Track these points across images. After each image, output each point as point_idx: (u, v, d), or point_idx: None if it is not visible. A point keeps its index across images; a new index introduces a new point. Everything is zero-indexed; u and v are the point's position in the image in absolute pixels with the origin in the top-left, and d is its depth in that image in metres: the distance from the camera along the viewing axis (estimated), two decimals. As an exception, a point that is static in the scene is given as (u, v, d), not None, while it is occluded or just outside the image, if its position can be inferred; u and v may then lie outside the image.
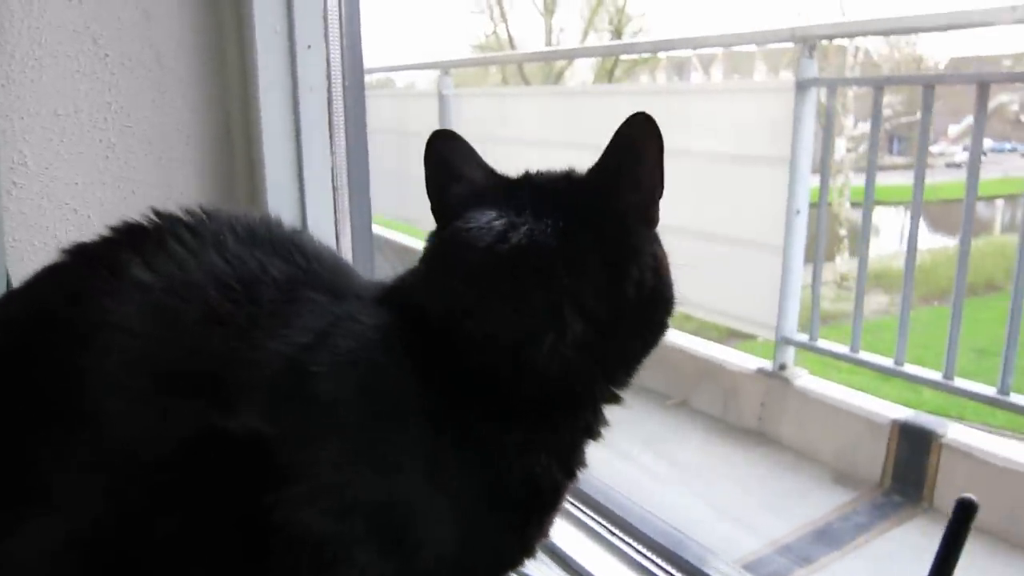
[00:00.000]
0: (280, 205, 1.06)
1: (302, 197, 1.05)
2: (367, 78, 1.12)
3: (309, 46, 1.03)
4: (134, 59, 1.01)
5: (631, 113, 0.63)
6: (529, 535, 0.65)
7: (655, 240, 0.67)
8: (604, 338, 0.62)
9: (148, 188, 1.04)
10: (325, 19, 1.02)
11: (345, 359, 0.59)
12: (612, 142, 0.64)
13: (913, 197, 2.38)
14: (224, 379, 0.59)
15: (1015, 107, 9.78)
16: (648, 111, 0.63)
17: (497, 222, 0.62)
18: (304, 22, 1.01)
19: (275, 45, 1.01)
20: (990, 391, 2.19)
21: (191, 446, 0.57)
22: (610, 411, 0.66)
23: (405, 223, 4.56)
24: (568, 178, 0.68)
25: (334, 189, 1.08)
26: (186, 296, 0.62)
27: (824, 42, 2.52)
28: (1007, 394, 2.15)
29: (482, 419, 0.60)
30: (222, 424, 0.56)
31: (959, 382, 2.26)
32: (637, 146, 0.64)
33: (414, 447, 0.58)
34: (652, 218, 0.67)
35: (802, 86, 2.55)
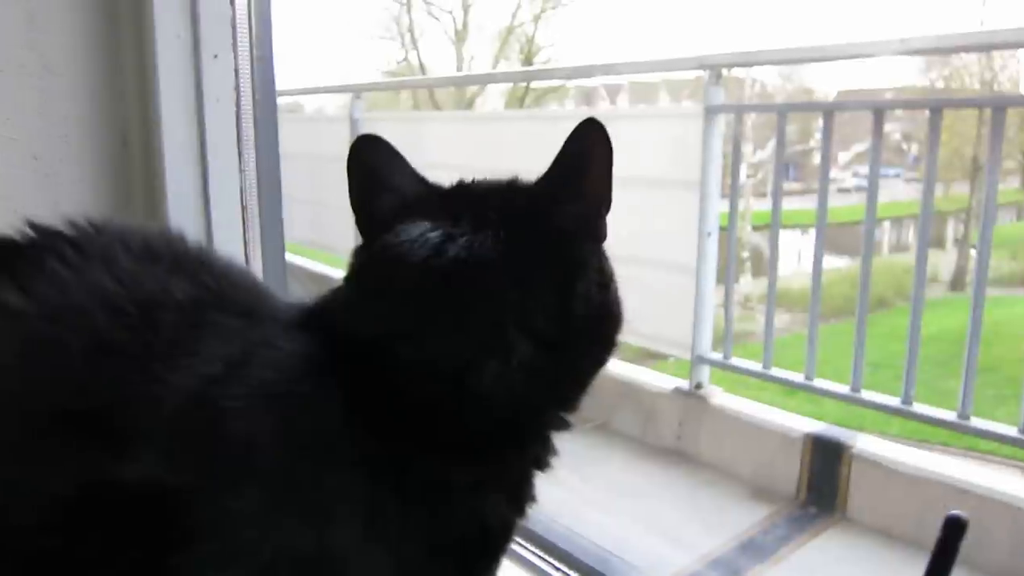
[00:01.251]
0: (183, 226, 0.96)
1: (208, 218, 0.97)
2: (276, 100, 1.06)
3: (216, 55, 0.96)
4: (15, 64, 0.91)
5: (580, 120, 0.59)
6: None
7: (603, 255, 0.63)
8: (552, 360, 0.57)
9: (32, 207, 0.94)
10: (234, 27, 0.96)
11: (261, 392, 0.52)
12: (561, 150, 0.60)
13: (817, 220, 2.47)
14: (117, 420, 0.51)
15: (897, 136, 10.46)
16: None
17: (432, 234, 0.57)
18: (210, 30, 0.95)
19: (178, 53, 0.94)
20: (895, 402, 2.28)
21: (77, 504, 0.49)
22: (559, 439, 0.62)
23: (319, 250, 4.44)
24: (511, 187, 0.63)
25: (243, 209, 1.01)
26: (68, 323, 0.53)
27: (725, 72, 2.61)
28: (910, 404, 2.24)
29: (423, 456, 0.53)
30: (115, 474, 0.48)
31: (866, 394, 2.34)
32: (585, 154, 0.60)
33: (346, 492, 0.51)
34: (599, 231, 0.63)
35: (710, 112, 2.62)
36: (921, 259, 2.27)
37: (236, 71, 0.97)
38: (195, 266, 0.60)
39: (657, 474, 2.59)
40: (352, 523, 0.51)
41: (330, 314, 0.59)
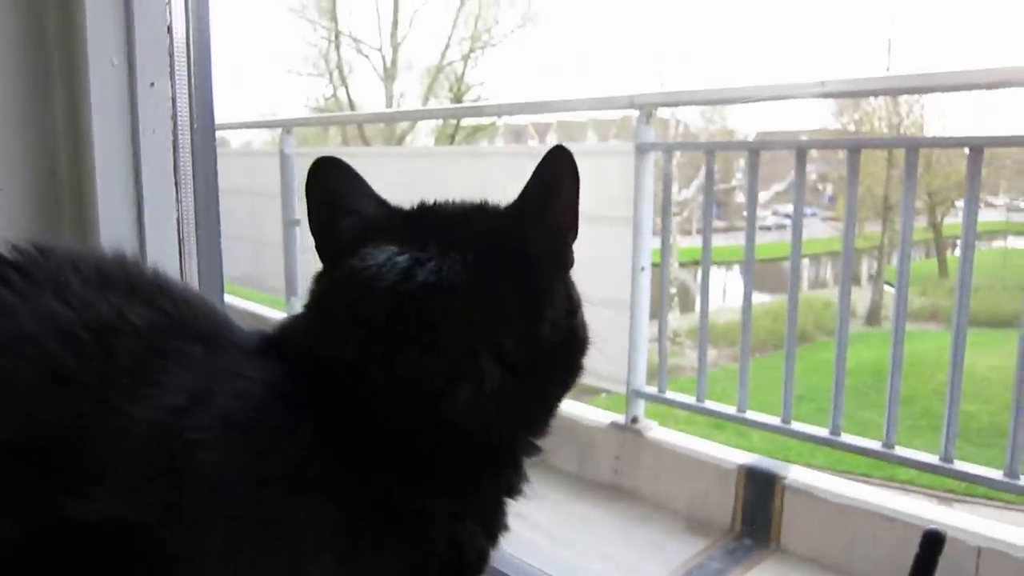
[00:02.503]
0: (114, 260, 0.93)
1: (143, 250, 0.93)
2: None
3: (152, 84, 0.92)
4: (-66, 90, 0.86)
5: (548, 148, 0.60)
6: None
7: (570, 281, 0.64)
8: (522, 385, 0.57)
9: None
10: (171, 55, 0.93)
11: (229, 422, 0.50)
12: (532, 177, 0.60)
13: (746, 254, 2.55)
14: (73, 455, 0.47)
15: (813, 176, 10.95)
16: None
17: (400, 258, 0.56)
18: (147, 56, 0.91)
19: (112, 80, 0.90)
20: (823, 432, 2.34)
21: (32, 547, 0.45)
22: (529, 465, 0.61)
23: (253, 289, 4.31)
24: (479, 210, 0.63)
25: (180, 241, 0.97)
26: (15, 352, 0.50)
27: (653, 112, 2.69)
28: (839, 435, 2.30)
29: (398, 486, 0.52)
30: (74, 514, 0.45)
31: (796, 425, 2.40)
32: (555, 181, 0.60)
33: (319, 524, 0.49)
34: (567, 259, 0.64)
35: (641, 149, 2.69)
36: (844, 293, 2.35)
37: (173, 99, 0.94)
38: (152, 291, 0.57)
39: (594, 509, 2.58)
40: (326, 557, 0.49)
41: (295, 341, 0.57)
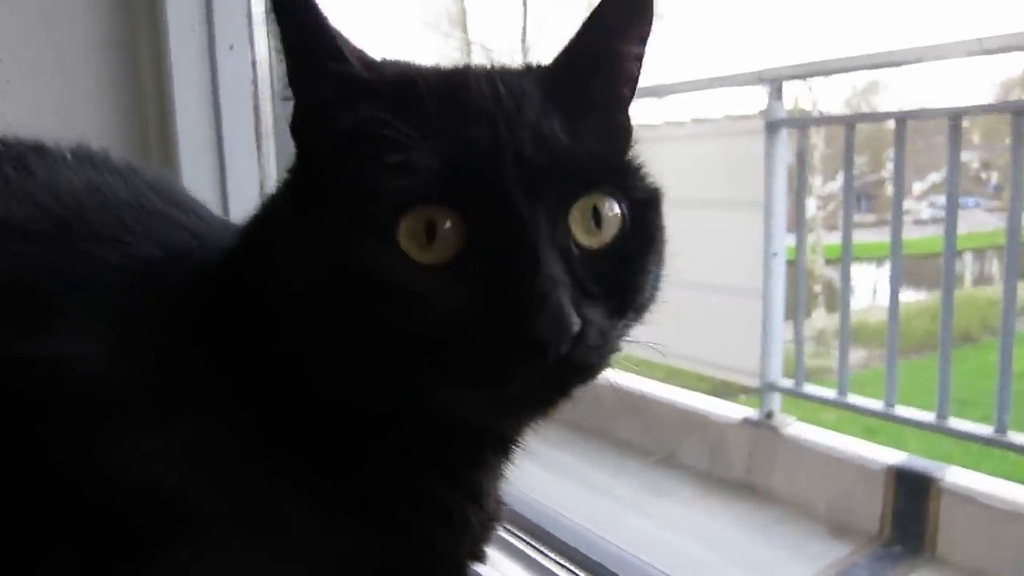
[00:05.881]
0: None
1: (227, 216, 0.93)
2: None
3: (231, 47, 0.92)
4: (31, 65, 0.90)
5: None
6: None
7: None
8: None
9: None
10: (249, 17, 0.93)
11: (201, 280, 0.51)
12: (596, 11, 0.49)
13: (892, 232, 2.33)
14: (26, 295, 0.47)
15: (976, 164, 10.04)
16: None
17: None
18: (225, 20, 0.92)
19: (192, 45, 0.91)
20: (987, 431, 2.08)
21: None
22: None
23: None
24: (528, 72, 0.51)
25: (264, 207, 0.96)
26: None
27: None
28: (1004, 433, 2.04)
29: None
30: (19, 351, 0.44)
31: (954, 422, 2.15)
32: (630, 17, 0.50)
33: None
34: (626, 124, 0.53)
35: (772, 127, 2.52)
36: (1011, 272, 2.09)
37: (253, 63, 0.94)
38: (136, 177, 0.59)
39: (726, 510, 2.43)
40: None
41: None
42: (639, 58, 0.51)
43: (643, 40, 0.51)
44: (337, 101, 0.45)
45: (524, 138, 0.44)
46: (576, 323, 0.42)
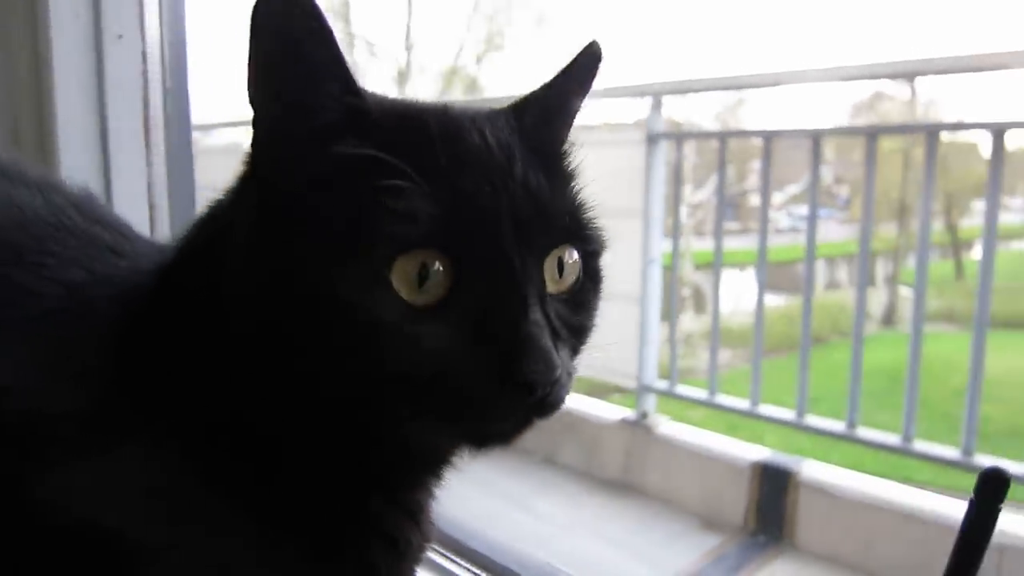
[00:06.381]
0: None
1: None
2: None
3: (120, 36, 0.87)
4: None
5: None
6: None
7: None
8: None
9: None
10: (141, 5, 0.88)
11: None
12: (565, 70, 0.53)
13: (760, 235, 2.48)
14: None
15: (829, 179, 10.82)
16: None
17: None
18: (113, 8, 0.86)
19: (76, 33, 0.85)
20: (839, 427, 2.27)
21: None
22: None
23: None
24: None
25: (151, 207, 0.91)
26: None
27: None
28: (854, 428, 2.23)
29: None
30: None
31: (811, 419, 2.32)
32: (586, 79, 0.54)
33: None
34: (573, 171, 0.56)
35: (652, 139, 2.63)
36: (863, 283, 2.28)
37: (144, 55, 0.89)
38: (55, 192, 0.55)
39: (606, 505, 2.51)
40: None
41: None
42: (580, 110, 0.55)
43: (587, 94, 0.55)
44: (338, 134, 0.44)
45: (516, 190, 0.46)
46: (559, 365, 0.44)
